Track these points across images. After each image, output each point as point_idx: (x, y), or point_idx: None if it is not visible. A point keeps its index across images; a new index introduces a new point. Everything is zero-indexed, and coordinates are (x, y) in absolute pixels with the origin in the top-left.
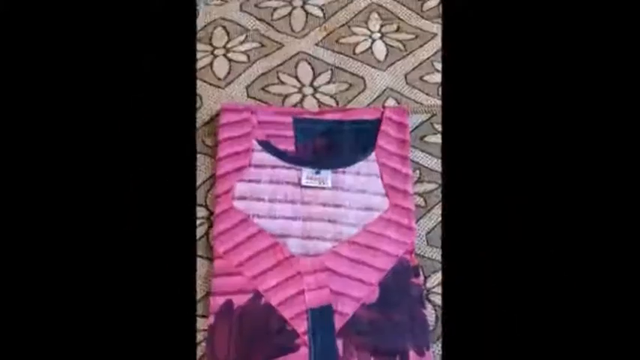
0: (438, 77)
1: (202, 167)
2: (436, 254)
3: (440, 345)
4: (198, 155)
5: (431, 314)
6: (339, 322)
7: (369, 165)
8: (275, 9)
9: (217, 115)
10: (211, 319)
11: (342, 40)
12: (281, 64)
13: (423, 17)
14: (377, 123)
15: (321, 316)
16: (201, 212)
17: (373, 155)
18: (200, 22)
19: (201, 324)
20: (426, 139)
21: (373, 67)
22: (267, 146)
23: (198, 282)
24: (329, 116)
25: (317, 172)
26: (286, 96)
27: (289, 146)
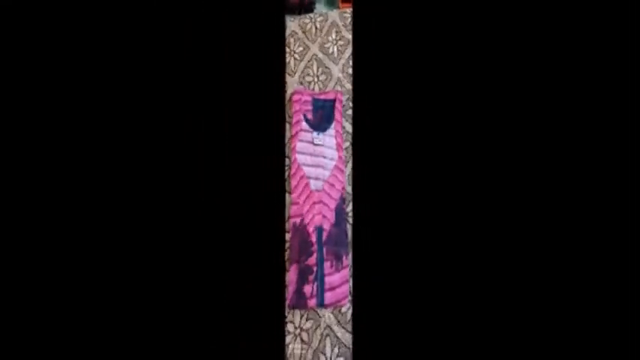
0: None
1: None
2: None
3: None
4: None
5: (349, 230)
6: (324, 237)
7: (333, 128)
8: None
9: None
10: (289, 235)
11: None
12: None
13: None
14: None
15: (317, 232)
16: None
17: (334, 123)
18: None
19: (287, 237)
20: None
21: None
22: (304, 117)
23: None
24: (322, 96)
25: (318, 134)
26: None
27: (310, 116)
